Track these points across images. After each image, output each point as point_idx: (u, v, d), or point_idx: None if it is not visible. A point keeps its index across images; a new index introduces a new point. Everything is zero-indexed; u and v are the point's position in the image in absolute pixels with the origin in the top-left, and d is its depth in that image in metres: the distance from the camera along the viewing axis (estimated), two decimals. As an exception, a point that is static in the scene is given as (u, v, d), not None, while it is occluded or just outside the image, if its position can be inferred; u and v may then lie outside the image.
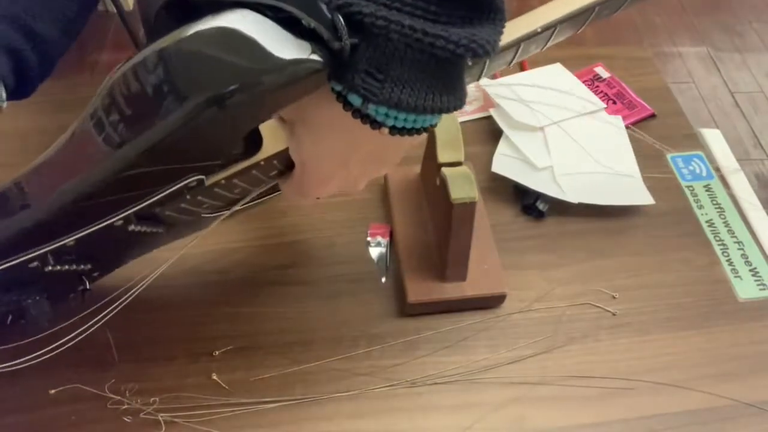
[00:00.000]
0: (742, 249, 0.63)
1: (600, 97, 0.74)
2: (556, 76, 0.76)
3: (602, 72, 0.78)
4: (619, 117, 0.72)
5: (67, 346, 0.48)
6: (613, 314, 0.58)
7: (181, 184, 0.36)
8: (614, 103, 0.75)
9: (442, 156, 0.54)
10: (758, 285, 0.61)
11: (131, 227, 0.38)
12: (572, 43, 0.79)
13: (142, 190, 0.35)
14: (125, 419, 0.50)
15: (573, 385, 0.54)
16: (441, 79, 0.32)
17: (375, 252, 0.59)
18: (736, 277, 0.61)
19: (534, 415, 0.52)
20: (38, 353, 0.49)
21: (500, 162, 0.66)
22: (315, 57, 0.30)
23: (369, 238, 0.60)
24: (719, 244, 0.64)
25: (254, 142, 0.39)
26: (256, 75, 0.29)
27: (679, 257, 0.62)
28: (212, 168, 0.37)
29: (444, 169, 0.52)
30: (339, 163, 0.38)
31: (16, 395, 0.51)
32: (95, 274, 0.47)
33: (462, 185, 0.51)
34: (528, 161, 0.66)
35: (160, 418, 0.50)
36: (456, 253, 0.54)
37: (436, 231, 0.58)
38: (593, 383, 0.54)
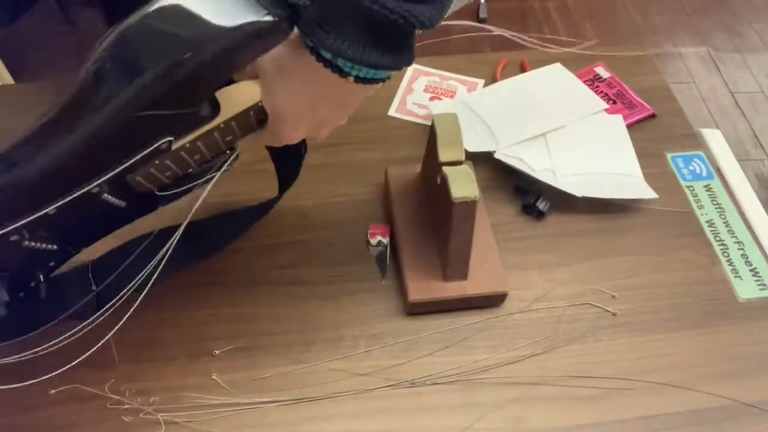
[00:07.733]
0: (743, 249, 0.63)
1: (600, 97, 0.74)
2: (556, 77, 0.76)
3: (602, 72, 0.78)
4: (620, 116, 0.72)
5: (63, 343, 0.48)
6: (613, 314, 0.58)
7: (153, 146, 0.41)
8: (614, 103, 0.75)
9: (443, 155, 0.54)
10: (758, 285, 0.61)
11: (104, 196, 0.43)
12: (572, 43, 0.79)
13: (120, 151, 0.40)
14: (125, 419, 0.50)
15: (573, 385, 0.54)
16: (383, 39, 0.37)
17: (375, 252, 0.59)
18: (736, 277, 0.61)
19: (533, 415, 0.52)
20: (35, 350, 0.49)
21: (502, 153, 0.66)
22: (266, 18, 0.35)
23: (369, 238, 0.60)
24: (719, 244, 0.64)
25: (215, 108, 0.43)
26: (200, 43, 0.35)
27: (679, 257, 0.62)
28: (180, 131, 0.42)
29: (445, 168, 0.52)
30: (308, 108, 0.43)
31: (16, 395, 0.51)
32: (52, 263, 0.49)
33: (463, 184, 0.51)
34: (527, 165, 0.66)
35: (160, 418, 0.50)
36: (457, 252, 0.54)
37: (437, 230, 0.58)
38: (593, 383, 0.54)
